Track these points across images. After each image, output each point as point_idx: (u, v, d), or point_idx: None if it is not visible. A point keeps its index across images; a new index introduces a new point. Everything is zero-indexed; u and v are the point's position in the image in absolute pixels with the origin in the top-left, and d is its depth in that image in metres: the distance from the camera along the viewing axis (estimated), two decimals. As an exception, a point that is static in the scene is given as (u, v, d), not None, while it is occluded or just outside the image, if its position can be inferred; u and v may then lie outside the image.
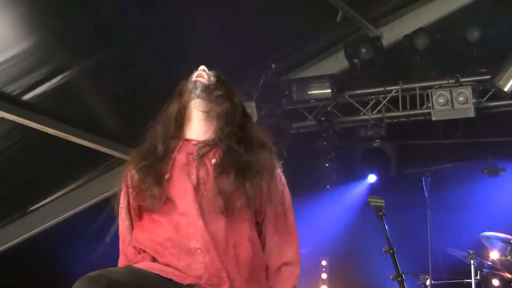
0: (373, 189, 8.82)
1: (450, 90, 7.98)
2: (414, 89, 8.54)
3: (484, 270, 6.97)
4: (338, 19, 7.96)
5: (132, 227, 3.13)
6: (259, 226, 3.14)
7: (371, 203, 4.68)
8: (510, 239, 6.79)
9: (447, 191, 8.16)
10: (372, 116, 8.76)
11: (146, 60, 6.96)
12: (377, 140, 8.92)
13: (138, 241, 3.04)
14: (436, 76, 8.39)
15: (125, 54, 6.84)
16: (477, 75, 8.18)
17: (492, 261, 6.98)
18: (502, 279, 6.93)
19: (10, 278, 8.53)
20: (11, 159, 7.52)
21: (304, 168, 8.88)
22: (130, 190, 3.11)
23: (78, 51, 6.58)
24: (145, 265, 2.93)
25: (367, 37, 8.38)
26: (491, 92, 8.06)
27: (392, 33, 8.53)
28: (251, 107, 7.94)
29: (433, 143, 8.89)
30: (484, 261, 6.97)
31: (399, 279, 4.61)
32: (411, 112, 8.58)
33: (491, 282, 6.97)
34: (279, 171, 3.21)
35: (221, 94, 3.15)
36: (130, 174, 3.11)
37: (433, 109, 8.06)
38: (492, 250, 7.00)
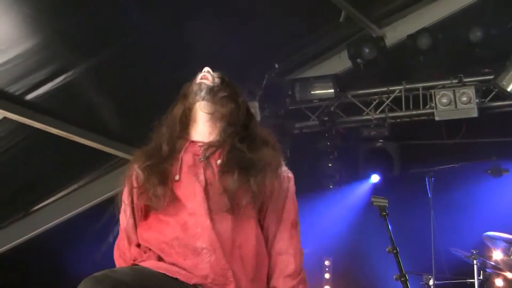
0: (376, 189, 8.81)
1: (453, 90, 7.97)
2: (417, 89, 8.53)
3: (487, 270, 6.97)
4: (341, 19, 7.96)
5: (136, 225, 3.14)
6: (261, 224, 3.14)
7: (375, 203, 4.67)
8: (513, 239, 6.79)
9: (451, 191, 8.15)
10: (375, 116, 8.75)
11: (149, 60, 6.96)
12: (380, 140, 8.91)
13: (144, 239, 3.05)
14: (438, 77, 8.38)
15: (128, 54, 6.84)
16: (480, 75, 8.17)
17: (495, 261, 6.96)
18: (505, 279, 6.92)
19: (13, 278, 8.54)
20: (14, 158, 7.52)
21: (307, 168, 8.87)
22: (134, 189, 3.11)
23: (81, 51, 6.58)
24: (151, 264, 2.95)
25: (370, 37, 8.37)
26: (494, 92, 8.05)
27: (395, 33, 8.52)
28: (254, 107, 7.93)
29: (436, 143, 8.87)
30: (487, 261, 6.96)
31: (402, 279, 4.60)
32: (414, 112, 8.57)
33: (494, 282, 6.96)
34: (284, 169, 3.21)
35: (226, 95, 3.17)
36: (135, 173, 3.12)
37: (436, 109, 8.06)
38: (495, 250, 6.98)
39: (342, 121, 8.97)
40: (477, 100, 7.88)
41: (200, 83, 3.17)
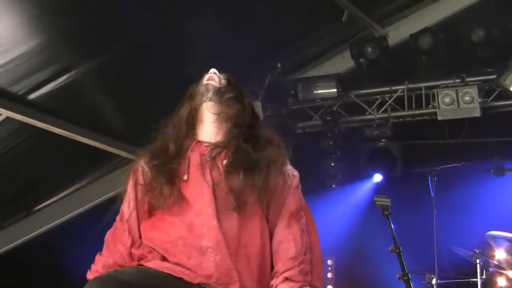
0: (379, 189, 8.81)
1: (456, 90, 7.97)
2: (420, 88, 8.52)
3: (489, 269, 6.97)
4: (343, 19, 7.95)
5: (138, 220, 3.14)
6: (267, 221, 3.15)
7: (377, 202, 4.66)
8: (516, 239, 6.79)
9: (453, 191, 8.14)
10: (378, 116, 8.74)
11: (151, 60, 6.97)
12: (383, 140, 8.90)
13: (148, 239, 3.06)
14: (439, 76, 8.38)
15: (131, 53, 6.85)
16: (482, 75, 8.15)
17: (498, 260, 6.96)
18: (508, 278, 6.92)
19: (15, 278, 8.55)
20: (17, 158, 7.53)
21: (310, 168, 8.83)
22: (140, 186, 3.13)
23: (84, 50, 6.59)
24: (155, 264, 2.96)
25: (372, 36, 8.37)
26: (497, 92, 8.04)
27: (398, 33, 8.51)
28: (257, 107, 7.93)
29: (438, 143, 8.87)
30: (490, 261, 6.96)
31: (405, 278, 4.59)
32: (416, 112, 8.56)
33: (496, 282, 6.97)
34: (289, 168, 3.22)
35: (232, 96, 3.20)
36: (141, 169, 3.14)
37: (439, 108, 8.05)
38: (497, 250, 6.98)
39: (345, 121, 8.96)
40: (479, 100, 7.87)
41: (207, 84, 3.20)
